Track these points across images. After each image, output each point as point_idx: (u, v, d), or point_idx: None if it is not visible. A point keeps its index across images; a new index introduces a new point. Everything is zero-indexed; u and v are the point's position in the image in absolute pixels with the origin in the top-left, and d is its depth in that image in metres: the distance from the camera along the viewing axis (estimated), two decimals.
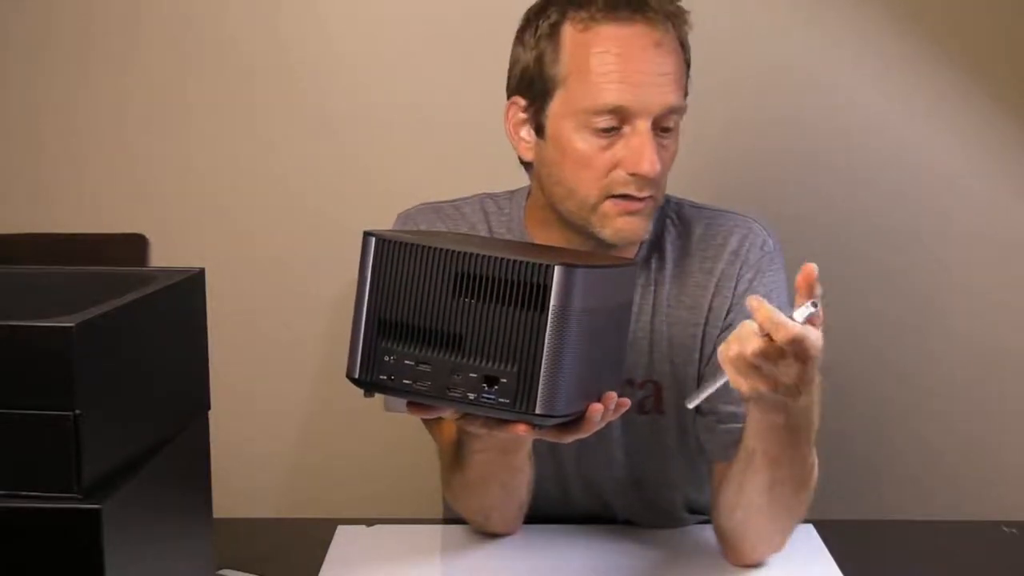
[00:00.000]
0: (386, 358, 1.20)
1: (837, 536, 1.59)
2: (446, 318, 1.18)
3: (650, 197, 1.48)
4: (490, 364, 1.17)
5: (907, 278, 2.22)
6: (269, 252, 2.22)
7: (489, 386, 1.17)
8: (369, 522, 1.64)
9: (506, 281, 1.16)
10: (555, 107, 1.48)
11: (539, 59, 1.49)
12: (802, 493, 1.46)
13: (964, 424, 2.24)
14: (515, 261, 1.16)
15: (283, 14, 2.19)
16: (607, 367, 1.30)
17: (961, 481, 2.23)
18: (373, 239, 1.21)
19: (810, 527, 1.61)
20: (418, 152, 2.19)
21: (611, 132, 1.45)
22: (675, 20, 1.48)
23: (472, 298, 1.17)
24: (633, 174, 1.44)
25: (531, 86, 1.50)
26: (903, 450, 2.25)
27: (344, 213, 2.20)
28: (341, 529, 1.62)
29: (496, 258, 1.16)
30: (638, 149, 1.44)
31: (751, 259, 1.56)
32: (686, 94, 1.51)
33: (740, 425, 1.45)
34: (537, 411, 1.16)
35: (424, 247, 1.19)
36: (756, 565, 1.52)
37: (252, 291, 2.21)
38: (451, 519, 1.66)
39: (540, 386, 1.16)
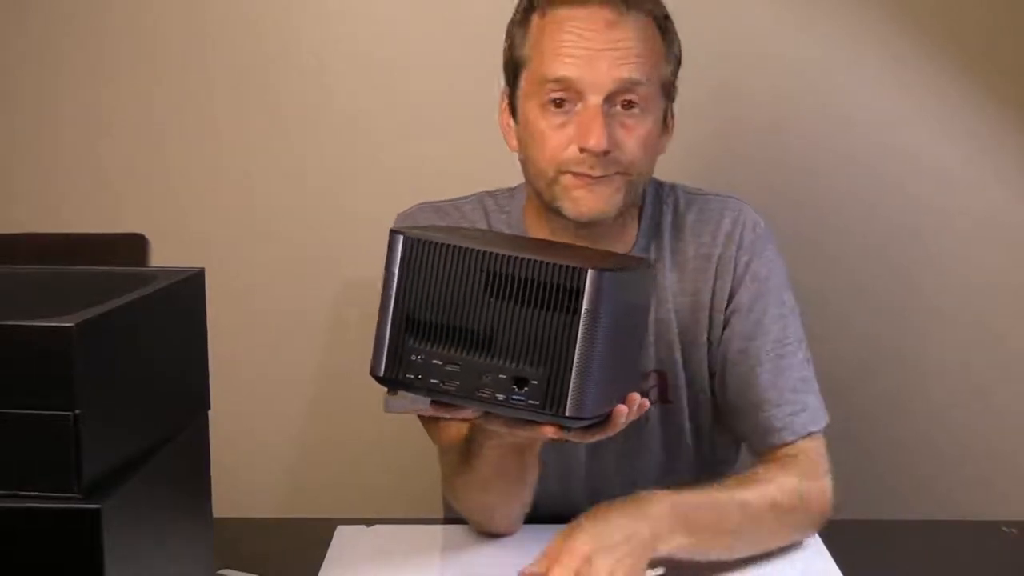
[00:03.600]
0: (413, 357, 1.20)
1: (837, 536, 1.59)
2: (476, 318, 1.18)
3: (616, 175, 1.49)
4: (520, 366, 1.17)
5: (907, 276, 2.22)
6: (269, 252, 2.22)
7: (519, 387, 1.17)
8: (369, 522, 1.64)
9: (538, 283, 1.15)
10: (522, 88, 1.54)
11: (511, 45, 1.55)
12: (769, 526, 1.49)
13: (964, 424, 2.24)
14: (548, 264, 1.15)
15: (284, 15, 2.19)
16: (629, 367, 1.31)
17: (961, 481, 2.22)
18: (401, 237, 1.21)
19: None
20: (419, 152, 2.19)
21: (565, 109, 1.48)
22: (638, 4, 1.50)
23: (503, 299, 1.16)
24: (583, 149, 1.46)
25: (508, 72, 1.57)
26: (903, 450, 2.25)
27: (344, 214, 2.20)
28: (341, 529, 1.62)
29: (529, 260, 1.16)
30: (586, 124, 1.46)
31: (745, 241, 1.59)
32: (671, 78, 1.54)
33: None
34: (567, 414, 1.17)
35: (455, 247, 1.18)
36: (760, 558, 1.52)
37: (252, 291, 2.21)
38: (451, 519, 1.66)
39: (570, 389, 1.16)
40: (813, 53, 2.17)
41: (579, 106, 1.47)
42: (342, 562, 1.53)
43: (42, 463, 0.98)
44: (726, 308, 1.58)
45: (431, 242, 1.19)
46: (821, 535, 1.59)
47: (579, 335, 1.14)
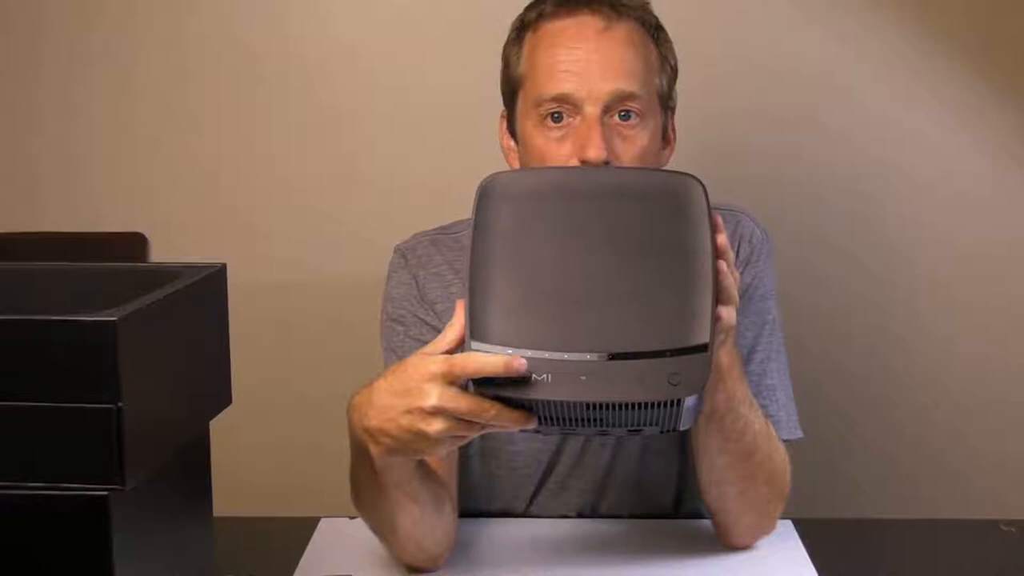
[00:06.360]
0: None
1: (833, 535, 1.60)
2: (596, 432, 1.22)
3: None
4: (635, 427, 1.19)
5: (907, 276, 2.22)
6: (268, 251, 2.23)
7: (635, 432, 1.21)
8: (353, 515, 1.63)
9: (641, 410, 1.17)
10: (519, 108, 1.53)
11: (507, 65, 1.55)
12: (756, 460, 1.45)
13: (962, 422, 2.25)
14: (647, 401, 1.16)
15: (284, 13, 2.20)
16: None
17: (959, 480, 2.23)
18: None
19: (788, 523, 1.59)
20: (419, 152, 2.20)
21: (564, 123, 1.47)
22: (630, 11, 1.50)
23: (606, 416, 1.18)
24: (584, 161, 1.44)
25: (506, 94, 1.56)
26: (901, 448, 2.26)
27: (343, 213, 2.21)
28: (324, 521, 1.63)
29: (628, 402, 1.16)
30: (584, 135, 1.45)
31: (741, 254, 1.57)
32: (667, 89, 1.53)
33: None
34: (682, 428, 1.21)
35: (570, 403, 1.17)
36: (746, 547, 1.52)
37: (250, 290, 2.20)
38: None
39: (683, 413, 1.18)
40: (817, 51, 2.18)
41: (577, 119, 1.46)
42: (323, 553, 1.54)
43: (86, 455, 0.99)
44: None
45: (540, 402, 1.18)
46: (817, 533, 1.58)
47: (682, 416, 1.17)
